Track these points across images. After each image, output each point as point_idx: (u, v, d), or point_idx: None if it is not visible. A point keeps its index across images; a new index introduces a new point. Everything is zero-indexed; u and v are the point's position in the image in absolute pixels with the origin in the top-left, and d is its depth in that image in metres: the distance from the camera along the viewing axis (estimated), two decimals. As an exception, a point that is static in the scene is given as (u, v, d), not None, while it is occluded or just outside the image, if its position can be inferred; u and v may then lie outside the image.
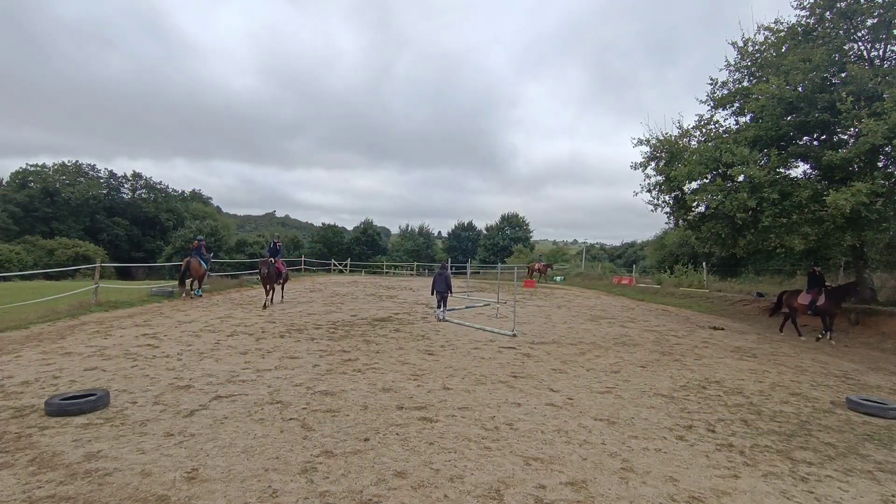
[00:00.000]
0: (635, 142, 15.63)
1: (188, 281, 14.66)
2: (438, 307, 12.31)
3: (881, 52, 12.96)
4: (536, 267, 29.90)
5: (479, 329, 10.84)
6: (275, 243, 14.90)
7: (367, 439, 4.33)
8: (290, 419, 4.76)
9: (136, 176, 65.50)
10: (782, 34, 13.90)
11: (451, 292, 12.52)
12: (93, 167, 63.56)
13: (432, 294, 12.64)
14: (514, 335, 9.98)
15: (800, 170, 14.50)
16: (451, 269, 13.19)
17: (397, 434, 4.50)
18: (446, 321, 11.82)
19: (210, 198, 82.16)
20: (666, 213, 16.20)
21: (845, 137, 13.09)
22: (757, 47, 14.56)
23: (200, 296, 14.80)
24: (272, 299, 13.56)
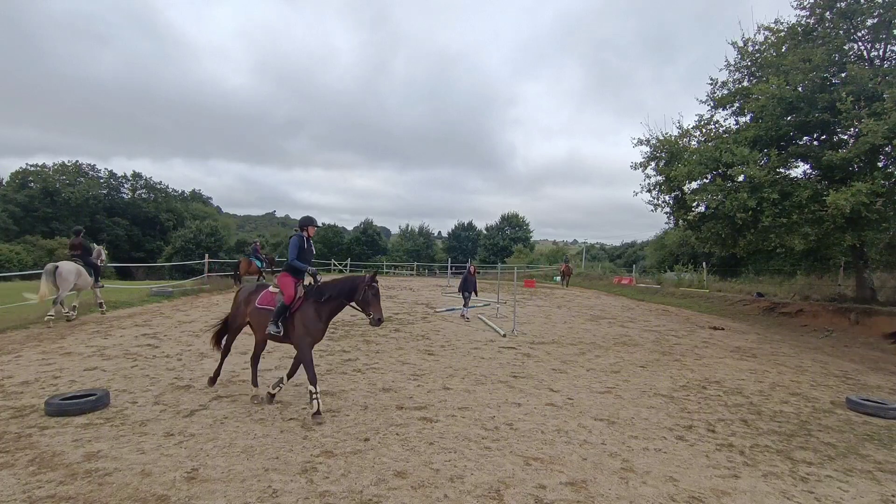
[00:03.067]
0: (635, 142, 15.65)
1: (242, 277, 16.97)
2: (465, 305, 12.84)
3: (881, 52, 12.96)
4: (562, 269, 31.32)
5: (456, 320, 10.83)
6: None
7: (367, 439, 4.33)
8: (290, 419, 4.76)
9: (136, 176, 65.51)
10: (782, 34, 13.91)
11: (469, 293, 12.75)
12: (93, 167, 63.60)
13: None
14: (504, 335, 9.98)
15: (800, 170, 14.53)
16: (454, 270, 13.28)
17: (397, 434, 4.50)
18: (470, 318, 12.15)
19: (210, 197, 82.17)
20: (666, 213, 16.23)
21: (845, 137, 13.09)
22: (757, 47, 14.56)
23: None
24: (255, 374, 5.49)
